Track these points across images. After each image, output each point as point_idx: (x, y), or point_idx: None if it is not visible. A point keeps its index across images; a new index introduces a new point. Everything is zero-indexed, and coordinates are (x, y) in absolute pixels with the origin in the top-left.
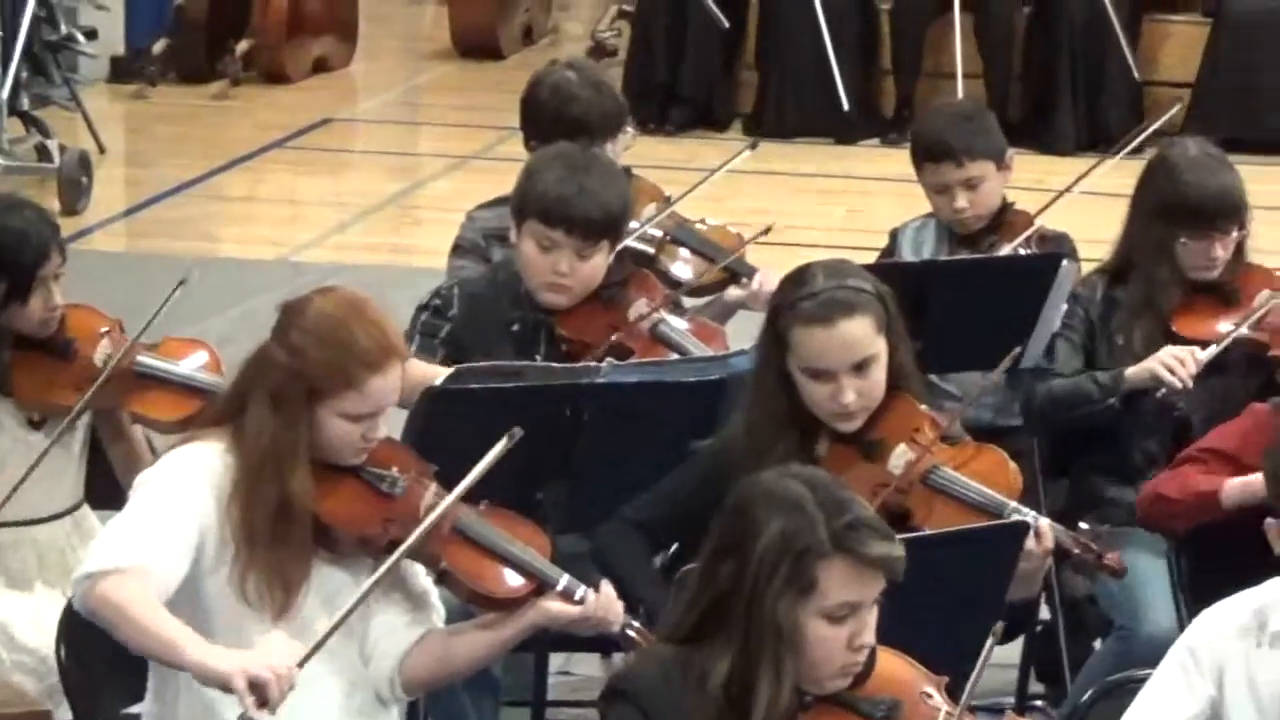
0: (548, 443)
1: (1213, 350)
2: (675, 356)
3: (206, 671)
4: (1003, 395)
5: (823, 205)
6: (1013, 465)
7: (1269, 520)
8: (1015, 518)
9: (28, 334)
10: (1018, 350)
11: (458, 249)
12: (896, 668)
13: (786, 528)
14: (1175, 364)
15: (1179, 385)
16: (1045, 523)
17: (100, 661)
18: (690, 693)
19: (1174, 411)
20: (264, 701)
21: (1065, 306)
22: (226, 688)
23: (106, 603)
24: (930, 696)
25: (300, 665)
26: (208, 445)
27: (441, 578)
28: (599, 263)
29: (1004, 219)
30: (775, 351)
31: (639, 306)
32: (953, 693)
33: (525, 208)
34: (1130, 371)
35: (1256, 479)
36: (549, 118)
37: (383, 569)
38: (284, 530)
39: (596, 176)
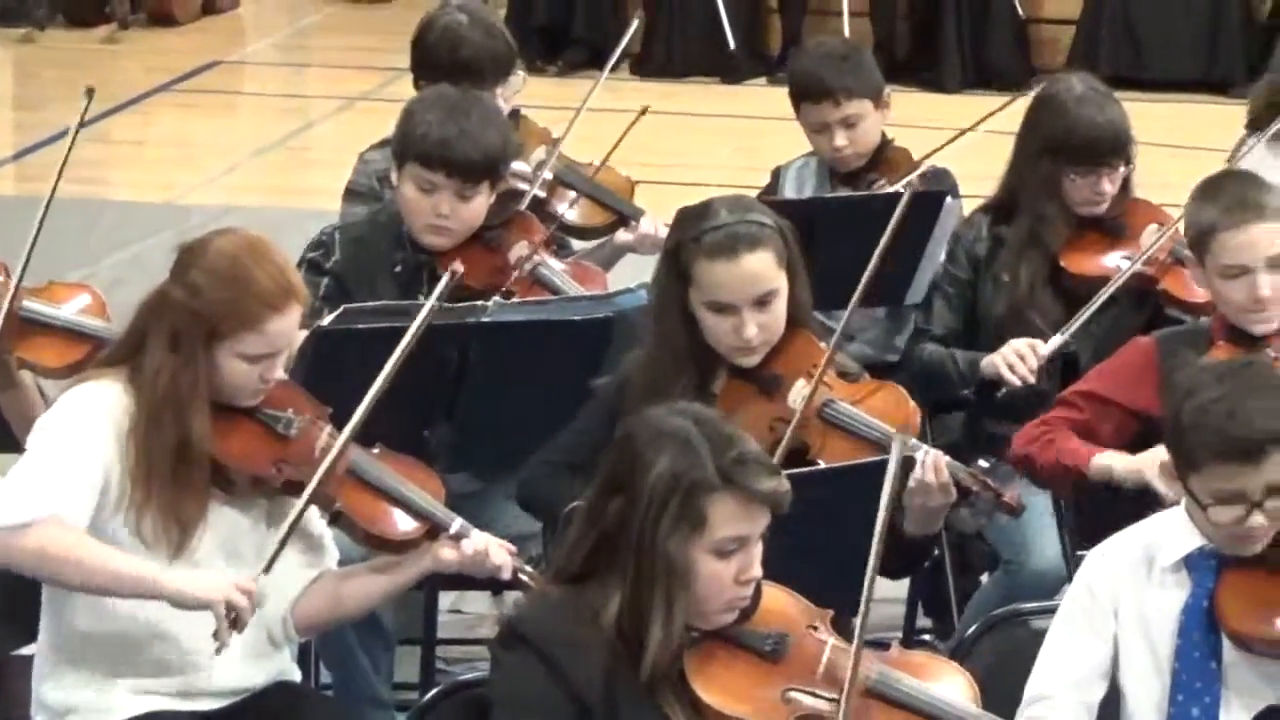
0: (435, 382)
1: (1054, 344)
2: (555, 296)
3: (186, 599)
4: (883, 331)
5: (710, 144)
6: (911, 402)
7: (1162, 459)
8: (907, 449)
9: None
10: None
11: (350, 193)
12: (782, 602)
13: (675, 464)
14: (1016, 360)
15: (1018, 382)
16: (935, 455)
17: None
18: (583, 632)
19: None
20: (237, 624)
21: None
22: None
23: (36, 554)
24: (817, 629)
25: (265, 572)
26: (105, 385)
27: (335, 519)
28: (479, 205)
29: (884, 156)
30: (676, 286)
31: (519, 249)
32: (839, 626)
33: (405, 151)
34: (984, 362)
35: (1125, 460)
36: (440, 61)
37: (302, 499)
38: (182, 470)
39: (476, 119)
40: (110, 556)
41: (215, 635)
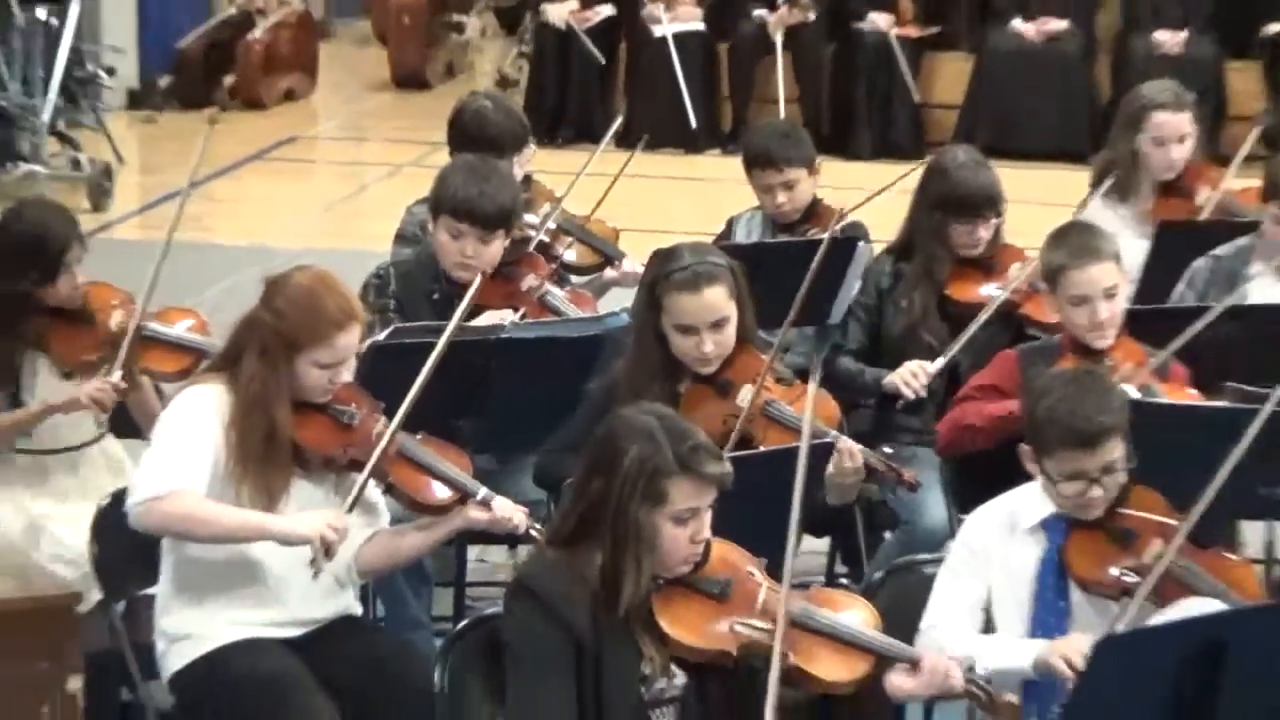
0: (465, 384)
1: (940, 363)
2: (556, 318)
3: (291, 537)
4: (812, 345)
5: (677, 201)
6: (833, 401)
7: (1022, 445)
8: (827, 439)
9: (58, 305)
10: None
11: (399, 238)
12: (728, 553)
13: (642, 452)
14: (910, 378)
15: (911, 395)
16: (850, 444)
17: (122, 555)
18: (574, 584)
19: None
20: (329, 553)
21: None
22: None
23: (173, 519)
24: (753, 575)
25: (348, 512)
26: (210, 387)
27: (388, 489)
28: (497, 247)
29: (814, 211)
30: (651, 312)
31: (529, 280)
32: (772, 572)
33: (439, 205)
34: (885, 380)
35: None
36: (470, 137)
37: (364, 474)
38: (270, 453)
39: (495, 181)
40: (229, 512)
41: (312, 563)
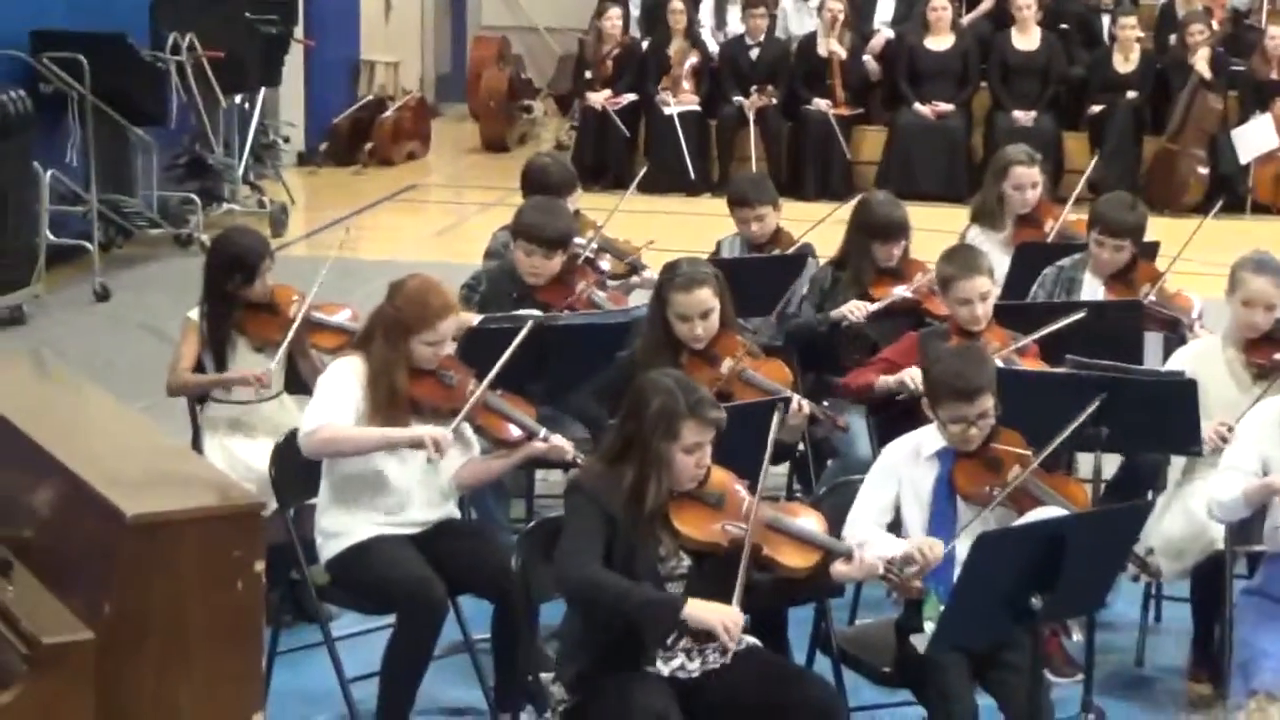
0: (533, 357)
1: (876, 305)
2: (599, 310)
3: (410, 439)
4: (774, 329)
5: (680, 229)
6: (786, 368)
7: (923, 398)
8: (783, 395)
9: (254, 301)
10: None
11: (488, 254)
12: (721, 475)
13: (664, 402)
14: (854, 309)
15: (855, 319)
16: (800, 399)
17: (292, 476)
18: (612, 488)
19: (869, 340)
20: (439, 449)
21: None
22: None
23: (329, 442)
24: (739, 491)
25: (451, 431)
26: (353, 359)
27: (478, 430)
28: (557, 262)
29: (778, 236)
30: (660, 306)
31: (580, 284)
32: (751, 489)
33: (517, 231)
34: (834, 312)
35: (887, 379)
36: (537, 183)
37: (459, 418)
38: (393, 404)
39: (555, 215)
40: (364, 432)
41: (428, 459)
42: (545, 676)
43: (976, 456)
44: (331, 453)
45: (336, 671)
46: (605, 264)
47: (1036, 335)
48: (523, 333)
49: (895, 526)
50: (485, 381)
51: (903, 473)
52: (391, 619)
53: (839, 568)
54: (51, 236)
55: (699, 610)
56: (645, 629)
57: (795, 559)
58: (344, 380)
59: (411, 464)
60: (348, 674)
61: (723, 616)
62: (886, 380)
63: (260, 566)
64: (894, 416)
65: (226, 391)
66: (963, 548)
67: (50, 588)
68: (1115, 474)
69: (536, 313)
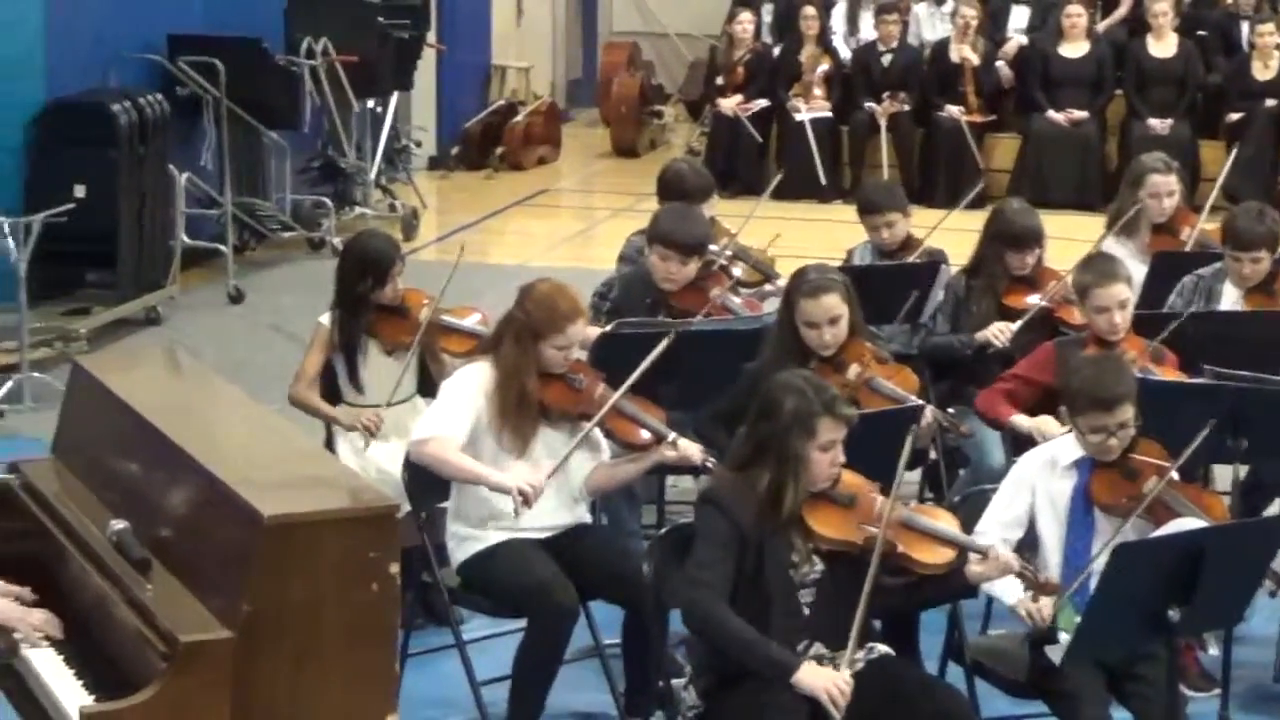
0: (666, 361)
1: (1018, 324)
2: (732, 317)
3: (498, 487)
4: (907, 337)
5: (811, 236)
6: (914, 376)
7: (1061, 408)
8: (911, 404)
9: (385, 304)
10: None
11: (621, 259)
12: (853, 477)
13: (799, 401)
14: (998, 333)
15: (1000, 344)
16: (929, 408)
17: (425, 479)
18: (745, 496)
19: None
20: (527, 502)
21: (943, 292)
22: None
23: (432, 457)
24: (871, 492)
25: (545, 480)
26: (481, 364)
27: (609, 434)
28: (693, 268)
29: (909, 242)
30: (789, 313)
31: (715, 290)
32: (884, 490)
33: (654, 237)
34: (979, 334)
35: (1025, 420)
36: (672, 189)
37: (583, 433)
38: (522, 408)
39: (691, 221)
40: (463, 462)
41: (515, 510)
42: (676, 682)
43: (1115, 467)
44: (433, 468)
45: (467, 674)
46: (738, 271)
47: (1161, 336)
48: (661, 346)
49: (1029, 540)
50: (623, 388)
51: (1038, 483)
52: (522, 623)
53: (973, 567)
54: (186, 239)
55: (809, 677)
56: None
57: (930, 556)
58: (466, 389)
59: (543, 469)
60: (479, 677)
61: (829, 685)
62: (1019, 423)
63: (395, 568)
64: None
65: (360, 393)
66: (1100, 559)
67: (188, 587)
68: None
69: (671, 321)
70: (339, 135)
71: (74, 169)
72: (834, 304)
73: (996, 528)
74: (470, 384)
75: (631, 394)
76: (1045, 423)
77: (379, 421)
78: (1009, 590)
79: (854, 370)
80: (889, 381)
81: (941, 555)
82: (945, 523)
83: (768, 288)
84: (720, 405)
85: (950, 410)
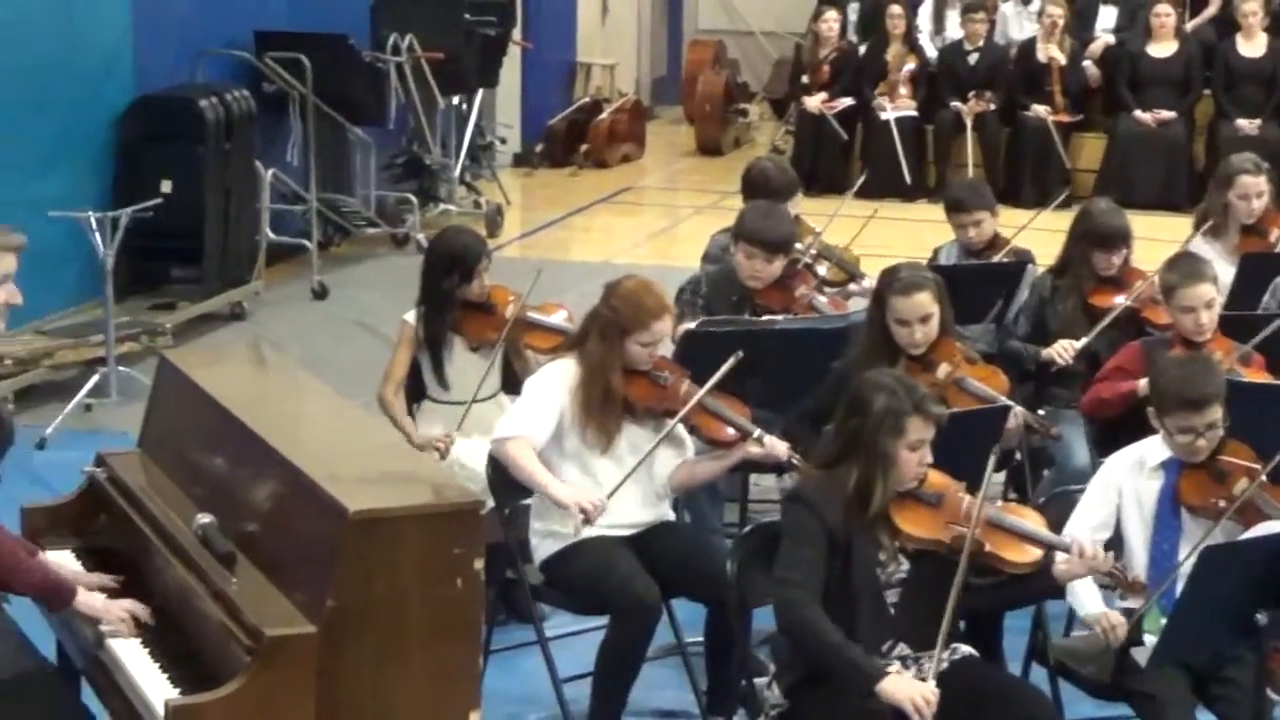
0: (751, 359)
1: (1083, 341)
2: (817, 315)
3: (558, 501)
4: (992, 336)
5: (897, 235)
6: (1004, 376)
7: (1149, 409)
8: (1001, 404)
9: (470, 300)
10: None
11: (705, 257)
12: (940, 477)
13: (889, 399)
14: (1060, 350)
15: (1063, 363)
16: (1018, 408)
17: (506, 476)
18: (833, 494)
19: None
20: (587, 520)
21: (1028, 291)
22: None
23: (506, 455)
24: (957, 491)
25: (609, 497)
26: (566, 361)
27: (693, 430)
28: (778, 266)
29: (995, 241)
30: (879, 310)
31: (801, 289)
32: (970, 489)
33: (740, 235)
34: (1043, 352)
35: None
36: (757, 187)
37: (667, 430)
38: (607, 405)
39: (777, 219)
40: (534, 469)
41: (574, 529)
42: (759, 681)
43: (1203, 468)
44: (508, 467)
45: (549, 671)
46: (823, 269)
47: (1256, 340)
48: (729, 362)
49: (1115, 542)
50: (708, 385)
51: (1125, 485)
52: (605, 620)
53: (1061, 566)
54: (271, 234)
55: (893, 687)
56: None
57: (1018, 555)
58: (550, 386)
59: (626, 465)
60: (560, 674)
61: (914, 695)
62: (1141, 384)
63: (480, 564)
64: (1114, 427)
65: (444, 389)
66: (1187, 561)
67: (273, 581)
68: None
69: (755, 320)
70: (424, 132)
71: (161, 165)
72: (926, 302)
73: (1084, 530)
74: (555, 381)
75: (717, 391)
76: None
77: (450, 444)
78: (1089, 600)
79: (944, 369)
80: (978, 381)
81: (1029, 555)
82: (1032, 522)
83: (852, 287)
84: (808, 404)
85: (1041, 412)
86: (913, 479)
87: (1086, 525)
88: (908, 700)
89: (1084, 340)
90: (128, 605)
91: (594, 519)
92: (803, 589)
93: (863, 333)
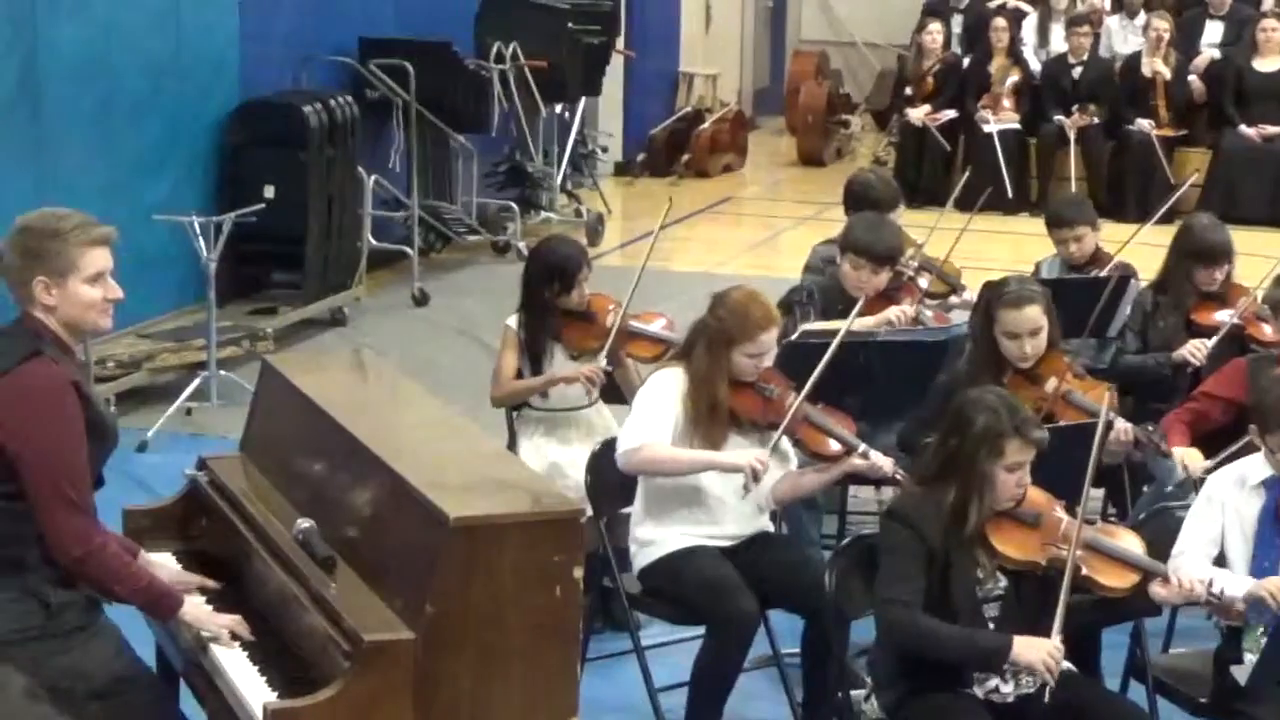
0: (853, 372)
1: (1213, 341)
2: (920, 328)
3: (730, 465)
4: (1094, 351)
5: (998, 248)
6: (1111, 390)
7: (1251, 426)
8: (1108, 419)
9: (571, 309)
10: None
11: (807, 268)
12: (1038, 495)
13: (989, 420)
14: (1195, 350)
15: (1197, 363)
16: (1124, 423)
17: (607, 484)
18: (930, 511)
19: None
20: (755, 478)
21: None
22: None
23: (650, 461)
24: (1056, 510)
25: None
26: (673, 370)
27: (797, 444)
28: (884, 278)
29: (1097, 256)
30: (986, 323)
31: (905, 301)
32: (1069, 510)
33: (846, 245)
34: (1175, 353)
35: (1179, 451)
36: (859, 198)
37: (772, 441)
38: (713, 416)
39: (884, 231)
40: (684, 453)
41: (745, 486)
42: (855, 694)
43: None
44: (652, 472)
45: (645, 680)
46: (925, 282)
47: None
48: (833, 347)
49: (1218, 559)
50: (802, 393)
51: (1227, 502)
52: (701, 630)
53: (1157, 590)
54: (373, 241)
55: (1024, 650)
56: (971, 667)
57: (1114, 579)
58: (662, 395)
59: (728, 477)
60: (657, 683)
61: (1043, 655)
62: (1175, 453)
63: (579, 572)
64: (1214, 445)
65: (544, 397)
66: None
67: (372, 587)
68: None
69: (858, 332)
70: (526, 140)
71: (264, 170)
72: (1035, 315)
73: (1198, 546)
74: (665, 390)
75: (822, 405)
76: (1189, 455)
77: (600, 373)
78: (1231, 585)
79: (1051, 383)
80: (1085, 395)
81: (1126, 579)
82: (1129, 544)
83: (953, 299)
84: (922, 414)
85: (1149, 427)
86: (1009, 500)
87: (1198, 542)
88: (1039, 662)
89: (1213, 340)
90: (229, 621)
91: (762, 477)
92: (905, 604)
93: (967, 346)
